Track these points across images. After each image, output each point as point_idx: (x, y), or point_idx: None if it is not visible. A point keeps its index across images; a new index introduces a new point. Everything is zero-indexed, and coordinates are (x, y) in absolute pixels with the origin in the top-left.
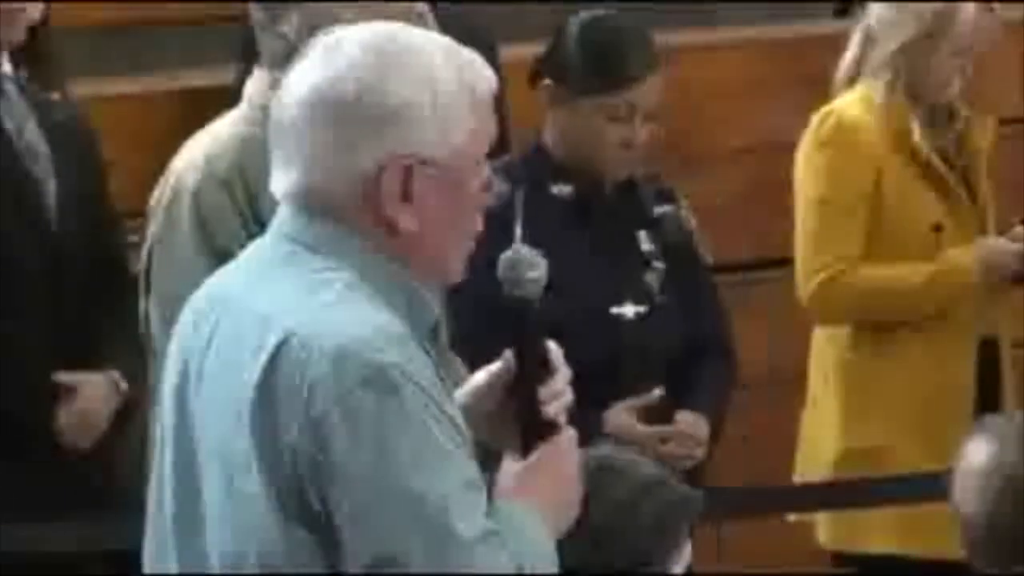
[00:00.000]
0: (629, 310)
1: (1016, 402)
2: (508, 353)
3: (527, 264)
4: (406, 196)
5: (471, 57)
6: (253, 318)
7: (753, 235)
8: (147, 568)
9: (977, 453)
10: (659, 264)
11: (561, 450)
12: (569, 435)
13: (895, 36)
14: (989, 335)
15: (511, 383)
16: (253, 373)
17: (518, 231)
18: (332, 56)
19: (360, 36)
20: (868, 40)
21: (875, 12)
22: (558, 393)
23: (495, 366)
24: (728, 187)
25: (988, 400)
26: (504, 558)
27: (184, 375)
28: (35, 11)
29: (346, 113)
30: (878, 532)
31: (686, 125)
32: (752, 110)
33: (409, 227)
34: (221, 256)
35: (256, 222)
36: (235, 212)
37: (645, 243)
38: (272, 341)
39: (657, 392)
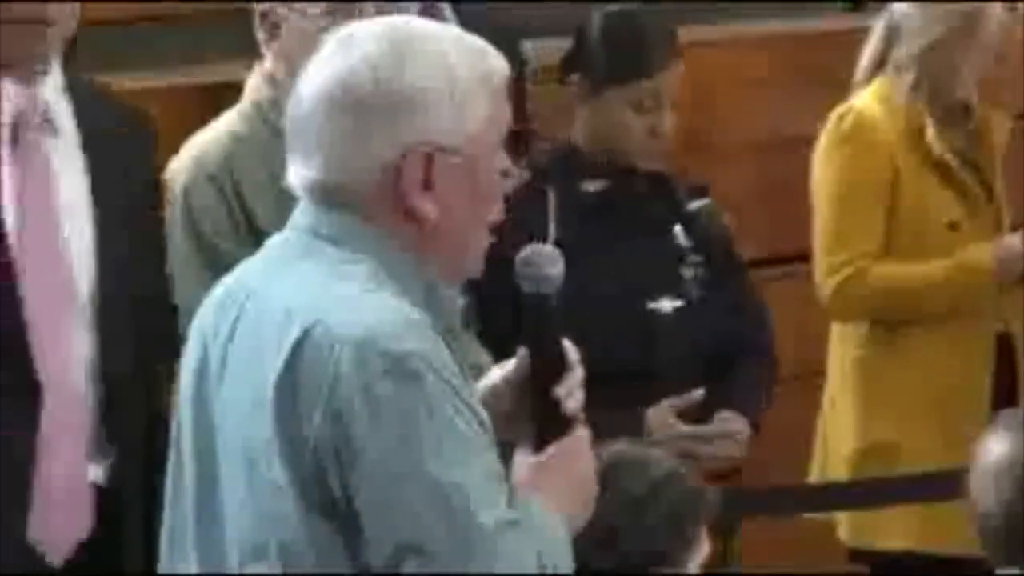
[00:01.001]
0: (666, 305)
1: None
2: (523, 350)
3: (544, 261)
4: (427, 184)
5: (483, 45)
6: (276, 310)
7: (763, 231)
8: (163, 558)
9: (993, 449)
10: (696, 258)
11: (576, 448)
12: (583, 433)
13: (923, 35)
14: (1005, 332)
15: (527, 380)
16: (276, 363)
17: (552, 230)
18: (346, 48)
19: (373, 28)
20: (891, 38)
21: (901, 10)
22: (573, 390)
23: (511, 363)
24: (738, 184)
25: (1004, 396)
26: (526, 549)
27: (204, 365)
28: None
29: (364, 104)
30: (897, 529)
31: (696, 121)
32: (761, 106)
33: (431, 215)
34: (211, 251)
35: (245, 217)
36: (223, 207)
37: (681, 238)
38: (295, 332)
39: (700, 392)
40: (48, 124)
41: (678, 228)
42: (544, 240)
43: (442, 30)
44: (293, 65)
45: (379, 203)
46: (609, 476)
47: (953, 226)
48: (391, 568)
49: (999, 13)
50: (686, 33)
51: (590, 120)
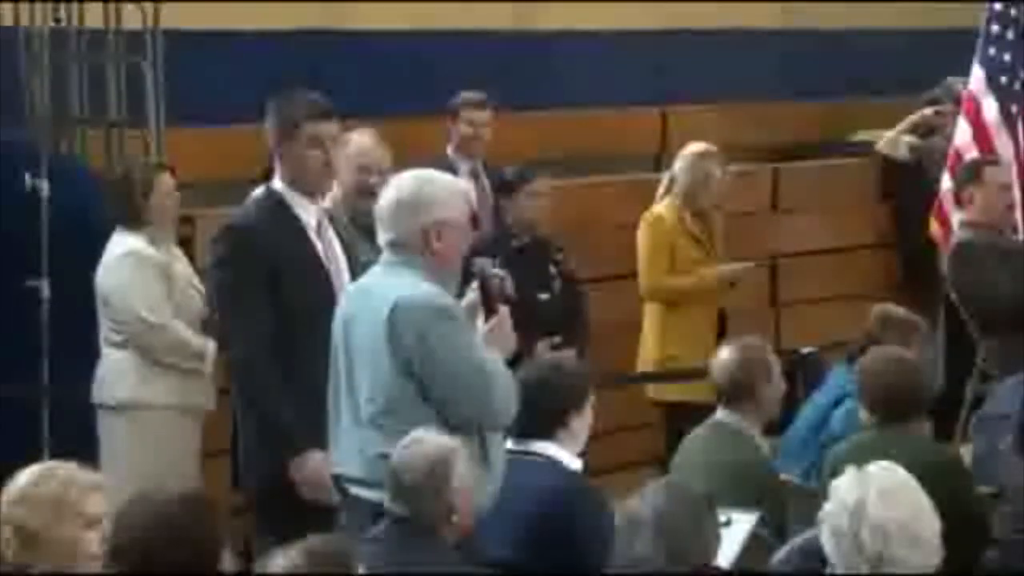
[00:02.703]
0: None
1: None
2: (474, 285)
3: (484, 264)
4: (439, 238)
5: (456, 179)
6: (381, 296)
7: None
8: (330, 418)
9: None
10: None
11: (501, 321)
12: (504, 313)
13: (683, 180)
14: (721, 308)
15: (480, 298)
16: (382, 316)
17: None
18: (397, 182)
19: (410, 173)
20: (672, 180)
21: (673, 170)
22: (499, 299)
23: (472, 292)
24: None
25: (720, 333)
26: (506, 374)
27: (346, 327)
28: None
29: (407, 203)
30: (673, 389)
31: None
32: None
33: (441, 251)
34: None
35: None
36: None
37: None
38: (391, 302)
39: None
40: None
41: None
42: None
43: (436, 172)
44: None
45: (419, 247)
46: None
47: (697, 261)
48: (452, 403)
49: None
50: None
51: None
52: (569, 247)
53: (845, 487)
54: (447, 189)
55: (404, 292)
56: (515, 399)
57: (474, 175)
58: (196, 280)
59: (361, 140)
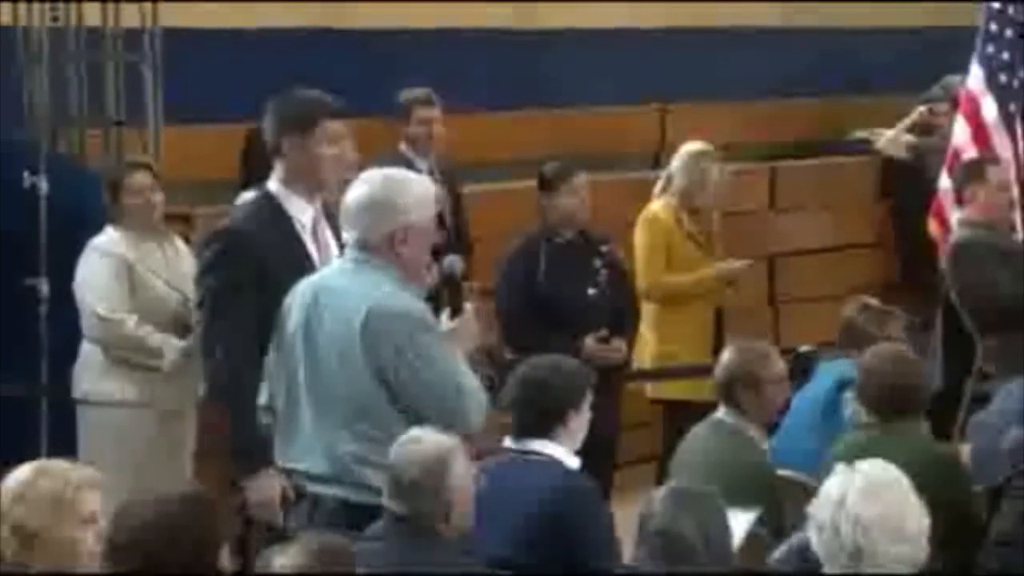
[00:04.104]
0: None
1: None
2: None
3: (453, 262)
4: (405, 242)
5: (425, 180)
6: (352, 297)
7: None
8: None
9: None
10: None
11: (467, 318)
12: (470, 311)
13: (680, 179)
14: (719, 306)
15: (449, 296)
16: (357, 323)
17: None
18: (366, 180)
19: (380, 173)
20: (669, 179)
21: (670, 169)
22: (465, 299)
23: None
24: None
25: (717, 330)
26: (477, 384)
27: (308, 322)
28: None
29: (376, 205)
30: (673, 387)
31: None
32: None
33: (406, 255)
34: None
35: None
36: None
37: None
38: (364, 309)
39: (604, 332)
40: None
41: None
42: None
43: (407, 172)
44: None
45: (385, 249)
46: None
47: (694, 260)
48: (425, 411)
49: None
50: None
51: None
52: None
53: (832, 482)
54: (416, 192)
55: (378, 298)
56: (485, 409)
57: (431, 173)
58: (181, 278)
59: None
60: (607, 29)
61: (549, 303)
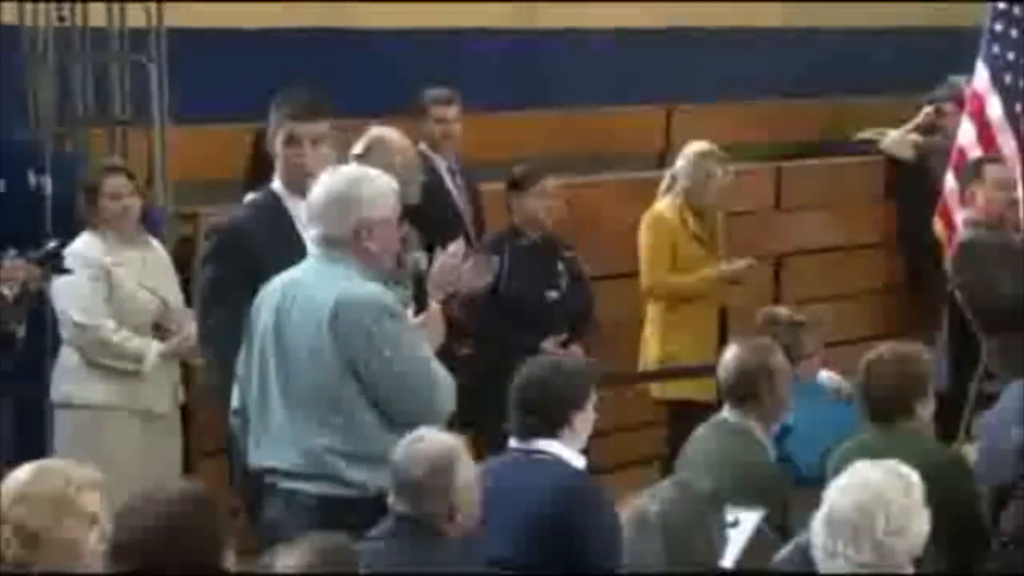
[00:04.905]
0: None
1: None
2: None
3: (419, 260)
4: (370, 236)
5: (384, 176)
6: (319, 292)
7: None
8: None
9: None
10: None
11: (433, 315)
12: (436, 308)
13: (684, 179)
14: (723, 304)
15: (415, 291)
16: (325, 316)
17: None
18: (328, 178)
19: (342, 170)
20: (673, 179)
21: (675, 168)
22: (434, 297)
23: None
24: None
25: (722, 329)
26: (445, 374)
27: (278, 321)
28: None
29: (337, 202)
30: (677, 387)
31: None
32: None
33: (371, 249)
34: None
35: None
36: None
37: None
38: (332, 302)
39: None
40: None
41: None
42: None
43: (370, 170)
44: None
45: (352, 244)
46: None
47: (698, 260)
48: (397, 402)
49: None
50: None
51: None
52: (575, 246)
53: (834, 482)
54: (376, 187)
55: (346, 290)
56: (453, 399)
57: (451, 171)
58: (158, 281)
59: None
60: (610, 29)
61: (510, 302)
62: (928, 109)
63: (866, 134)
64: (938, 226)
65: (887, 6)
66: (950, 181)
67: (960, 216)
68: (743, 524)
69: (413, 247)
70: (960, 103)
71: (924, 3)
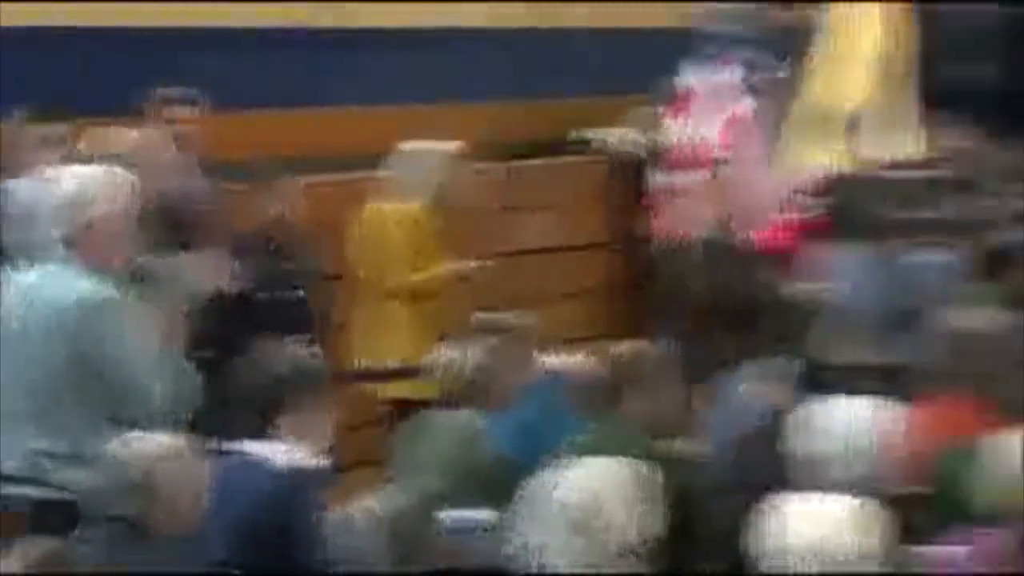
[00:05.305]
0: None
1: None
2: None
3: (152, 259)
4: (95, 235)
5: (114, 172)
6: (45, 291)
7: None
8: None
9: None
10: None
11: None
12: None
13: (418, 178)
14: (451, 303)
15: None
16: (45, 312)
17: None
18: (54, 179)
19: (68, 170)
20: (406, 178)
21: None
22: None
23: None
24: None
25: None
26: (174, 370)
27: (2, 318)
28: None
29: (64, 201)
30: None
31: None
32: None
33: (98, 245)
34: None
35: None
36: None
37: None
38: (56, 299)
39: None
40: None
41: None
42: None
43: (95, 168)
44: None
45: (76, 244)
46: None
47: (433, 259)
48: (121, 399)
49: None
50: None
51: None
52: (319, 245)
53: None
54: (104, 185)
55: (71, 289)
56: (191, 399)
57: (191, 170)
58: None
59: None
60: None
61: (245, 302)
62: (648, 108)
63: (581, 134)
64: (658, 223)
65: (596, 6)
66: (667, 179)
67: (693, 216)
68: (468, 524)
69: (149, 247)
70: (677, 102)
71: (642, 4)
